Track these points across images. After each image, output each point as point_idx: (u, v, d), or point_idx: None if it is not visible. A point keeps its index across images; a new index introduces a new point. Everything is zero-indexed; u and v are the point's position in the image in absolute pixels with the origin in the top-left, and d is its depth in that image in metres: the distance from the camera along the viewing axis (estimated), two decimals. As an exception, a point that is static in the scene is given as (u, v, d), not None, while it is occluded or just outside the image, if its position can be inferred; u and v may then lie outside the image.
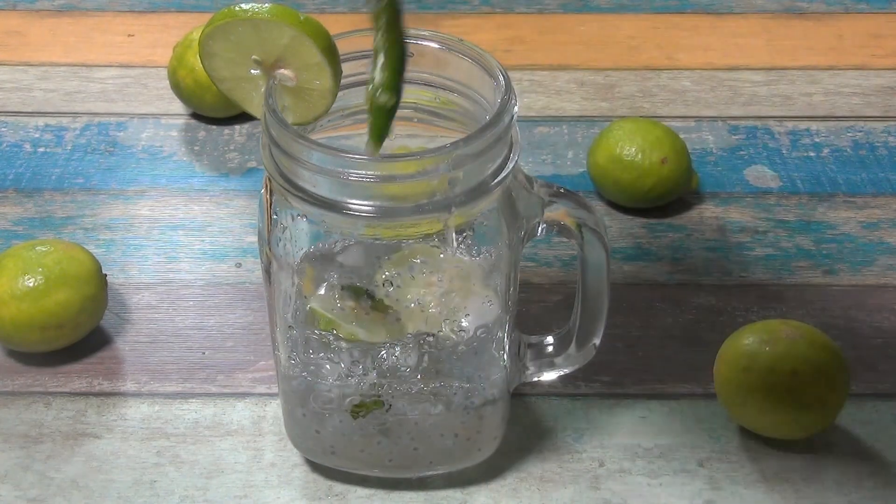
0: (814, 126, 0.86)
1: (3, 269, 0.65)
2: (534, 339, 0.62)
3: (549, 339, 0.62)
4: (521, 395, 0.64)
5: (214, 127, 0.86)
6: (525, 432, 0.63)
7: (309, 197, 0.50)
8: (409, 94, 0.56)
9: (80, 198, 0.79)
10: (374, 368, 0.55)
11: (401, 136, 0.58)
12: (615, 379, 0.66)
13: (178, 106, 0.88)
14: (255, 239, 0.62)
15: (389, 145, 0.58)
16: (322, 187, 0.50)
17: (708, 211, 0.78)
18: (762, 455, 0.62)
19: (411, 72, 0.54)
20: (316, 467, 0.61)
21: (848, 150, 0.84)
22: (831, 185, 0.81)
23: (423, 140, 0.57)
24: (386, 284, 0.52)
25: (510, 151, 0.53)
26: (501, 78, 0.53)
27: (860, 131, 0.86)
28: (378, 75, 0.51)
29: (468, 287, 0.53)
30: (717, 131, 0.86)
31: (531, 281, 0.72)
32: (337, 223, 0.51)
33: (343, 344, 0.54)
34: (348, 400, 0.55)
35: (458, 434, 0.58)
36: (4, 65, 0.93)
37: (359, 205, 0.50)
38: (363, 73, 0.56)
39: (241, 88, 0.54)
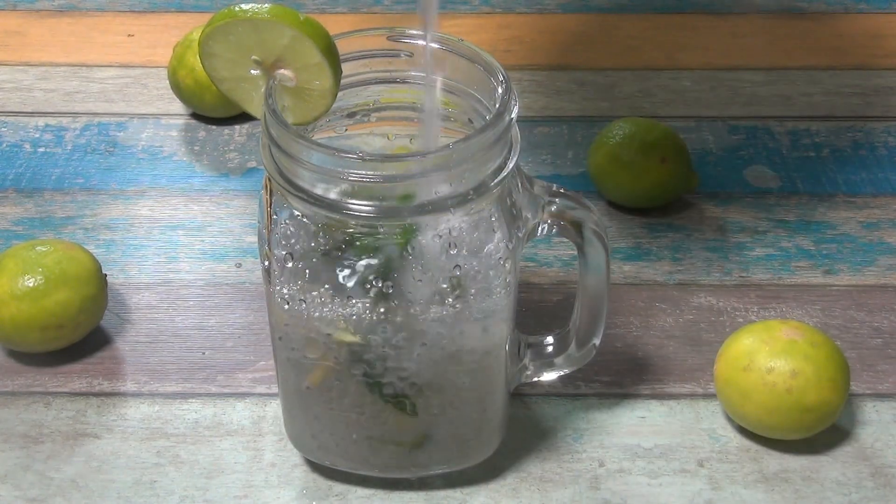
0: (814, 126, 0.86)
1: (3, 269, 0.65)
2: (534, 339, 0.62)
3: (549, 340, 0.62)
4: (521, 395, 0.64)
5: (214, 127, 0.86)
6: (525, 432, 0.63)
7: (309, 197, 0.50)
8: (410, 94, 0.56)
9: (80, 198, 0.79)
10: (373, 368, 0.55)
11: (401, 136, 0.58)
12: (615, 379, 0.66)
13: (178, 106, 0.88)
14: (255, 239, 0.62)
15: (389, 145, 0.58)
16: (322, 187, 0.50)
17: (708, 211, 0.78)
18: (762, 455, 0.62)
19: (411, 72, 0.54)
20: (316, 467, 0.61)
21: (848, 150, 0.84)
22: (831, 185, 0.81)
23: (424, 140, 0.57)
24: (385, 286, 0.52)
25: (510, 151, 0.53)
26: (501, 78, 0.53)
27: (860, 131, 0.86)
28: None
29: (468, 287, 0.53)
30: (717, 131, 0.86)
31: (531, 281, 0.72)
32: (337, 223, 0.51)
33: (344, 339, 0.54)
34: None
35: (457, 434, 0.58)
36: (4, 65, 0.93)
37: (359, 205, 0.50)
38: (363, 73, 0.56)
39: (241, 88, 0.54)
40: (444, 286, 0.52)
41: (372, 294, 0.52)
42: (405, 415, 0.56)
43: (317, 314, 0.53)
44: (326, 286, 0.52)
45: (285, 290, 0.53)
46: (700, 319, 0.70)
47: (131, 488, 0.60)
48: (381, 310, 0.53)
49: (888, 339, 0.68)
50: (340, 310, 0.53)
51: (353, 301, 0.52)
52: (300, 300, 0.53)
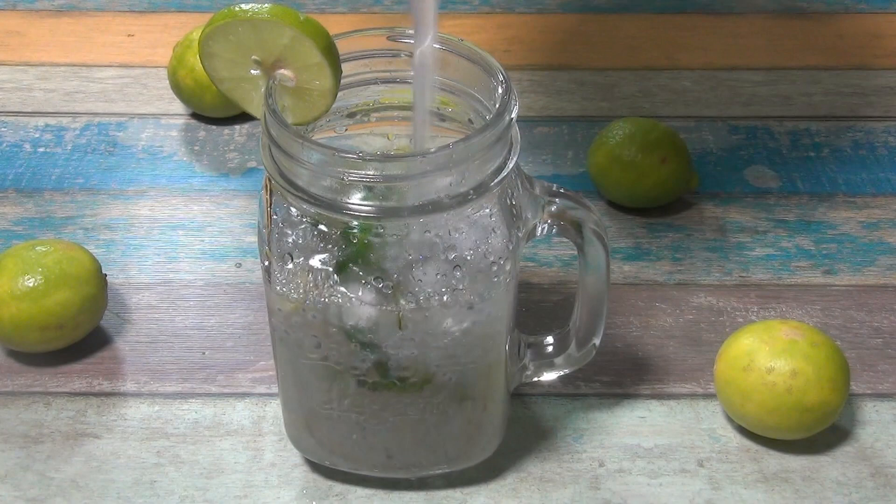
0: (814, 126, 0.86)
1: (3, 269, 0.65)
2: (534, 339, 0.62)
3: (549, 339, 0.62)
4: (521, 395, 0.64)
5: (214, 127, 0.86)
6: (525, 432, 0.63)
7: (309, 197, 0.50)
8: (410, 94, 0.56)
9: (80, 198, 0.79)
10: (373, 366, 0.55)
11: (401, 136, 0.58)
12: (615, 379, 0.66)
13: (178, 106, 0.88)
14: (255, 239, 0.62)
15: (389, 145, 0.58)
16: (322, 187, 0.50)
17: (708, 211, 0.78)
18: (762, 455, 0.62)
19: (411, 72, 0.54)
20: (316, 467, 0.61)
21: (848, 150, 0.84)
22: (831, 185, 0.81)
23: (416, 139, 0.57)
24: (385, 286, 0.52)
25: (510, 151, 0.53)
26: (501, 78, 0.53)
27: (860, 131, 0.86)
28: None
29: (468, 287, 0.53)
30: (717, 131, 0.86)
31: (531, 281, 0.72)
32: (337, 223, 0.51)
33: (342, 340, 0.54)
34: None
35: (457, 434, 0.58)
36: (4, 65, 0.93)
37: (358, 205, 0.50)
38: (363, 73, 0.56)
39: (241, 88, 0.54)
40: (444, 286, 0.52)
41: (371, 294, 0.52)
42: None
43: (316, 314, 0.53)
44: (326, 286, 0.52)
45: (285, 290, 0.53)
46: (700, 319, 0.70)
47: (131, 488, 0.60)
48: (381, 309, 0.53)
49: (888, 339, 0.68)
50: (340, 309, 0.53)
51: (353, 300, 0.52)
52: (300, 300, 0.53)
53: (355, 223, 0.51)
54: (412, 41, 0.54)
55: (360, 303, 0.52)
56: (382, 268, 0.52)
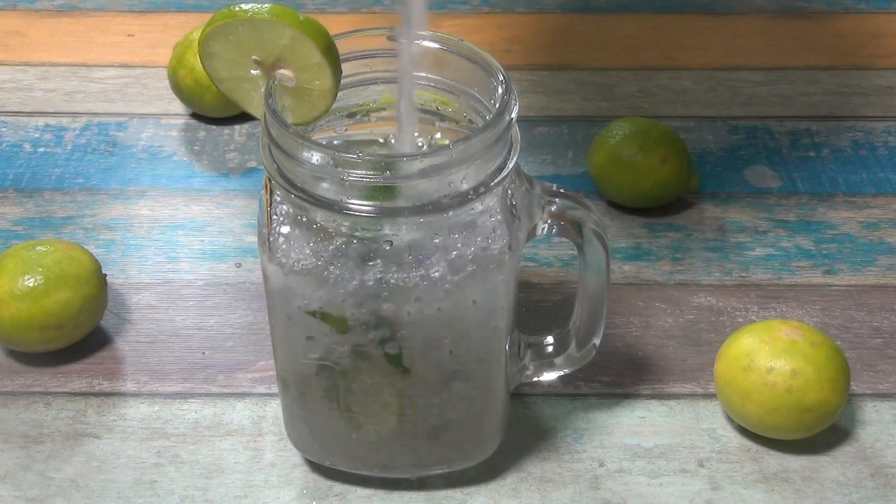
0: (814, 126, 0.86)
1: (3, 269, 0.65)
2: (534, 339, 0.62)
3: (549, 339, 0.62)
4: (521, 395, 0.64)
5: (214, 127, 0.86)
6: (525, 432, 0.63)
7: (309, 197, 0.50)
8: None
9: (80, 198, 0.79)
10: (374, 368, 0.55)
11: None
12: (615, 379, 0.66)
13: (178, 106, 0.88)
14: (255, 239, 0.62)
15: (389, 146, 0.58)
16: (322, 187, 0.50)
17: (708, 211, 0.78)
18: (762, 455, 0.62)
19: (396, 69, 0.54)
20: (316, 467, 0.61)
21: (848, 150, 0.84)
22: (831, 185, 0.81)
23: (424, 140, 0.57)
24: (386, 286, 0.52)
25: (510, 151, 0.53)
26: (501, 78, 0.53)
27: (860, 131, 0.86)
28: None
29: (468, 287, 0.53)
30: (717, 131, 0.86)
31: (531, 281, 0.72)
32: (336, 223, 0.51)
33: (344, 344, 0.54)
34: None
35: (458, 434, 0.58)
36: (4, 65, 0.93)
37: (358, 205, 0.50)
38: (363, 73, 0.56)
39: (241, 88, 0.54)
40: (444, 286, 0.52)
41: (371, 294, 0.52)
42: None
43: (317, 314, 0.53)
44: (326, 285, 0.52)
45: (285, 290, 0.53)
46: (700, 319, 0.70)
47: (131, 488, 0.60)
48: (382, 309, 0.53)
49: (888, 339, 0.68)
50: (340, 309, 0.53)
51: (353, 300, 0.52)
52: (300, 299, 0.53)
53: (354, 223, 0.51)
54: (400, 37, 0.54)
55: (359, 303, 0.52)
56: (382, 268, 0.52)
